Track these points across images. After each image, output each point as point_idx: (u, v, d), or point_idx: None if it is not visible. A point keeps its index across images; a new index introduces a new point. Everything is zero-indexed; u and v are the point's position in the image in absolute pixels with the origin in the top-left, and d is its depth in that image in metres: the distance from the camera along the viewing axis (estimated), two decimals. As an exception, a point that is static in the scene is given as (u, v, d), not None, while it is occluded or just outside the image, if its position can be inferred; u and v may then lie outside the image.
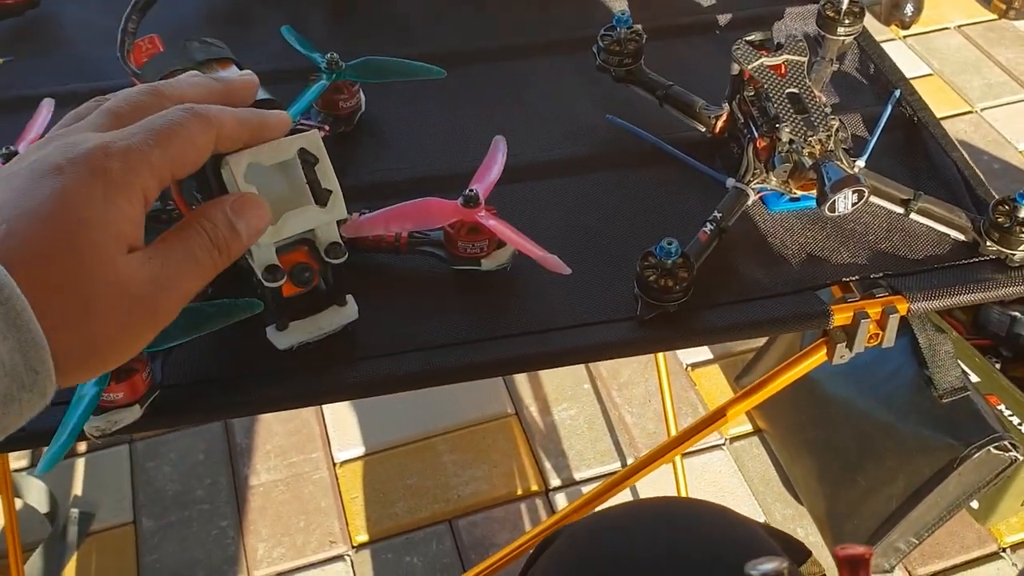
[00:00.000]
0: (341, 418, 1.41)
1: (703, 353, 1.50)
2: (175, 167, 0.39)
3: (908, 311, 0.62)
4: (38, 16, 0.89)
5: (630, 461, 1.36)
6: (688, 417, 1.40)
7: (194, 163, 0.40)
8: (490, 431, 1.40)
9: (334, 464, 1.36)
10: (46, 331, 0.32)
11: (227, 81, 0.45)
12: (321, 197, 0.52)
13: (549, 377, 1.47)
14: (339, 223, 0.54)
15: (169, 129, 0.39)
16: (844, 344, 0.63)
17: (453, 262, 0.63)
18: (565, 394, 1.44)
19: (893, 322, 0.62)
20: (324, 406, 1.43)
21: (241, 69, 0.58)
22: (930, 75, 2.05)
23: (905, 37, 2.16)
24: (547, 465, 1.36)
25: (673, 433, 1.25)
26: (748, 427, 1.41)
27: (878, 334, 0.62)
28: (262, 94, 0.54)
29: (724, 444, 1.39)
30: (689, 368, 1.48)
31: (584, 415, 1.42)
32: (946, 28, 2.19)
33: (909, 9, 2.15)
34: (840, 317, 0.61)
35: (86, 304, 0.34)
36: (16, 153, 0.63)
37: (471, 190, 0.61)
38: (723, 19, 0.88)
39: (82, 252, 0.34)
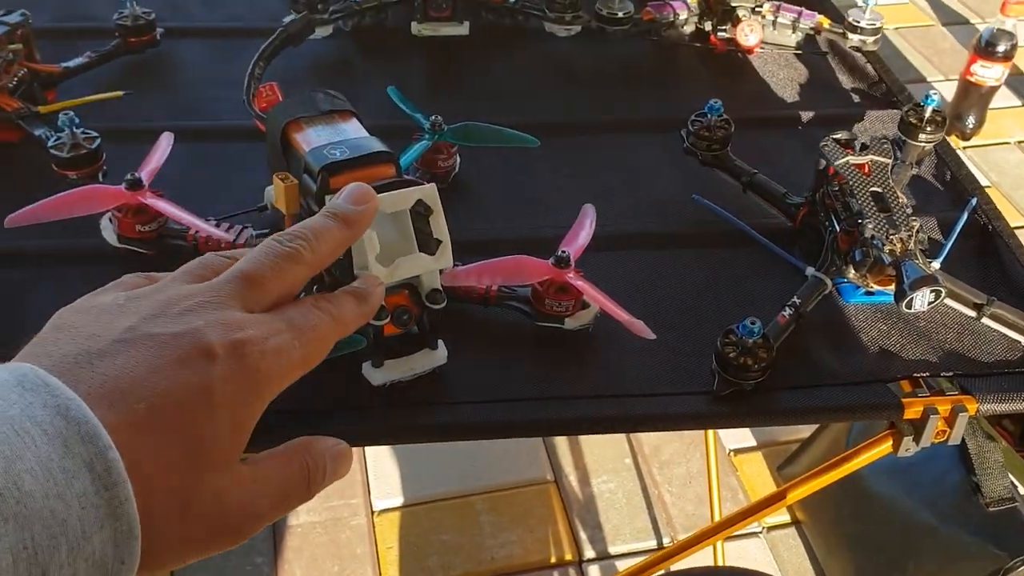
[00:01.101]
0: (383, 467, 1.43)
1: (747, 439, 1.50)
2: (307, 368, 0.39)
3: (977, 411, 0.63)
4: (157, 55, 0.94)
5: (666, 541, 1.36)
6: (727, 502, 1.40)
7: (318, 361, 0.40)
8: (529, 495, 1.41)
9: (372, 512, 1.37)
10: (142, 523, 0.31)
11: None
12: (429, 246, 0.55)
13: (590, 447, 1.48)
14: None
15: (313, 333, 0.39)
16: (911, 438, 0.64)
17: (538, 318, 0.65)
18: (606, 466, 1.45)
19: (961, 421, 0.63)
20: (368, 454, 1.45)
21: (361, 123, 0.62)
22: (988, 187, 2.07)
23: (965, 148, 2.19)
24: (582, 536, 1.36)
25: (716, 515, 1.25)
26: (786, 517, 1.40)
27: (945, 431, 0.64)
28: (379, 146, 0.58)
29: (761, 532, 1.39)
30: (732, 453, 1.48)
31: (623, 489, 1.42)
32: (1006, 143, 2.21)
33: (971, 121, 2.18)
34: (911, 411, 0.63)
35: (186, 508, 0.33)
36: (140, 180, 0.67)
37: (563, 251, 0.64)
38: (805, 116, 0.92)
39: (205, 455, 0.34)
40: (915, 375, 0.66)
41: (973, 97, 2.15)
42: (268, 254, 0.39)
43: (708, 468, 1.28)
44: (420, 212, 0.55)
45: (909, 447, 0.65)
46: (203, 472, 0.34)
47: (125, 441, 0.31)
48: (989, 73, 2.10)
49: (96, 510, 0.30)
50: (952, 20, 2.67)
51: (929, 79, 2.40)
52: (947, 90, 2.28)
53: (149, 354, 0.34)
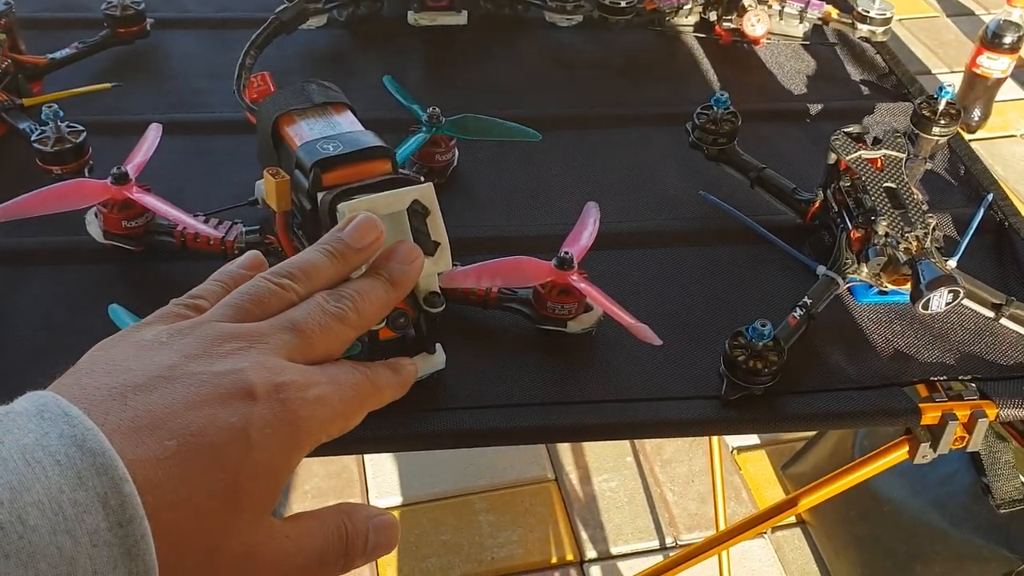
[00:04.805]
0: (381, 466, 1.41)
1: (750, 437, 1.48)
2: (345, 426, 0.37)
3: (997, 417, 0.61)
4: (146, 45, 0.92)
5: (668, 540, 1.34)
6: (731, 501, 1.37)
7: (355, 423, 0.38)
8: (528, 494, 1.39)
9: (370, 512, 1.35)
10: (161, 568, 0.29)
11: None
12: (427, 247, 0.52)
13: (591, 446, 1.46)
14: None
15: (353, 391, 0.37)
16: (928, 444, 0.62)
17: (540, 321, 0.63)
18: (607, 464, 1.43)
19: (981, 427, 0.61)
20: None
21: (356, 115, 0.59)
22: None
23: (970, 141, 2.16)
24: (584, 535, 1.34)
25: (721, 516, 1.23)
26: (791, 518, 1.38)
27: (964, 438, 0.61)
28: (374, 140, 0.56)
29: (766, 533, 1.36)
30: (735, 451, 1.46)
31: (625, 488, 1.40)
32: (1012, 135, 2.19)
33: (976, 114, 2.16)
34: (928, 417, 0.60)
35: (211, 556, 0.31)
36: (126, 175, 0.64)
37: (566, 252, 0.62)
38: (814, 108, 0.89)
39: (236, 501, 0.32)
40: (932, 379, 0.63)
41: (979, 89, 2.12)
42: (319, 310, 0.38)
43: (711, 467, 1.26)
44: (417, 211, 0.52)
45: (926, 454, 0.62)
46: (232, 519, 0.32)
47: (149, 477, 0.29)
48: (995, 65, 2.07)
49: (109, 548, 0.28)
50: (957, 11, 2.64)
51: (934, 71, 2.37)
52: (952, 82, 2.25)
53: (187, 391, 0.32)
